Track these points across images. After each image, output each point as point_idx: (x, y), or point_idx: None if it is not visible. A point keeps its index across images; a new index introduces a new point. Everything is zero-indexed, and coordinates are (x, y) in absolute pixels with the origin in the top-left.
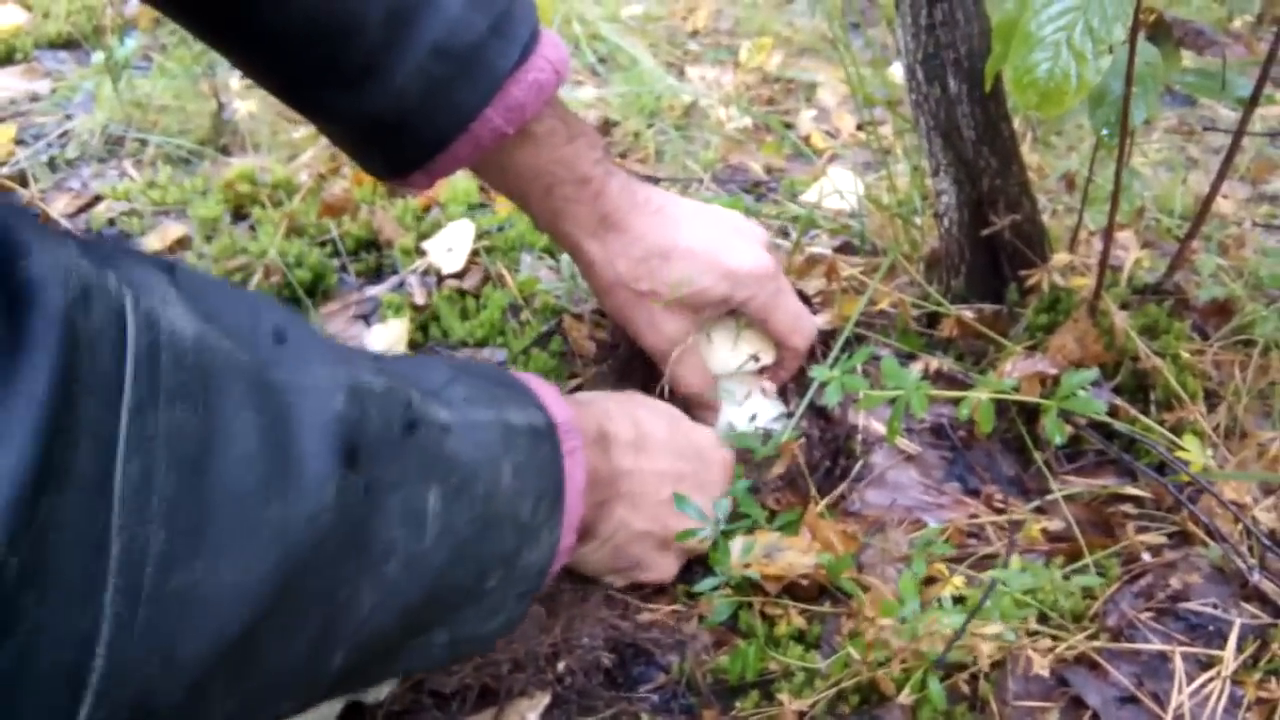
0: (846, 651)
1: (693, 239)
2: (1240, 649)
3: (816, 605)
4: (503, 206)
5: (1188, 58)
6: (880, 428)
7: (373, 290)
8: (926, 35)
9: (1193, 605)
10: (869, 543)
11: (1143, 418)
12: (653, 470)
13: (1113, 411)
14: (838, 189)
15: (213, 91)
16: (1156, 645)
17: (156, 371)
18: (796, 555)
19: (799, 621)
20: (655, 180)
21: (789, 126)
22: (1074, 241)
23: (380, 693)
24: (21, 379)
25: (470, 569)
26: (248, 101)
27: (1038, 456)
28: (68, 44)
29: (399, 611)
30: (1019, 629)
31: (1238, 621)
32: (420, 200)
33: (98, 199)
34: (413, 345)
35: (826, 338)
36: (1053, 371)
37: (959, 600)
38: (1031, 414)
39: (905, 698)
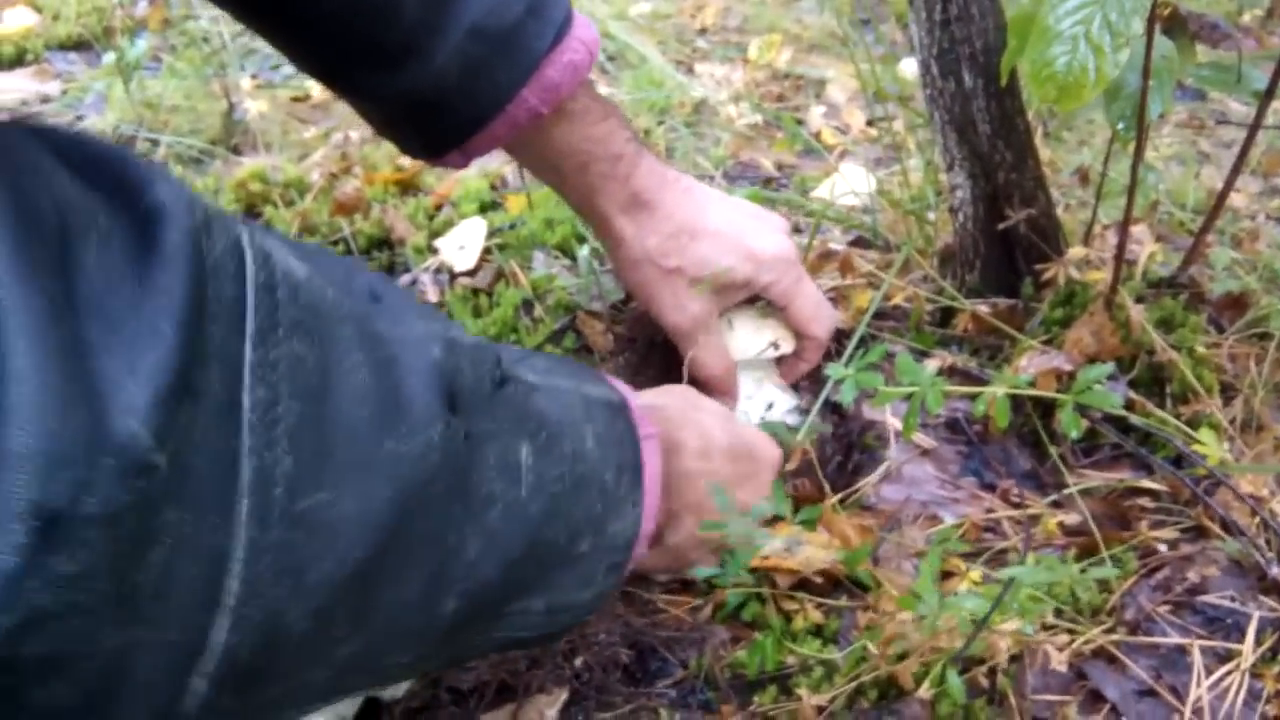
0: (863, 645)
1: (720, 220)
2: (1259, 642)
3: (833, 599)
4: (514, 204)
5: (1202, 52)
6: (896, 423)
7: None
8: (941, 30)
9: (1210, 598)
10: (884, 537)
11: (1159, 411)
12: (716, 477)
13: (1129, 405)
14: (850, 185)
15: (224, 92)
16: (1174, 639)
17: (275, 304)
18: (815, 550)
19: (816, 615)
20: None
21: (799, 123)
22: (1088, 235)
23: (398, 690)
24: (160, 286)
25: (562, 527)
26: (258, 101)
27: (1053, 451)
28: (78, 45)
29: (502, 563)
30: (1037, 623)
31: (1256, 614)
32: (432, 198)
33: None
34: None
35: (841, 335)
36: (1069, 366)
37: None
38: (1047, 408)
39: (924, 692)
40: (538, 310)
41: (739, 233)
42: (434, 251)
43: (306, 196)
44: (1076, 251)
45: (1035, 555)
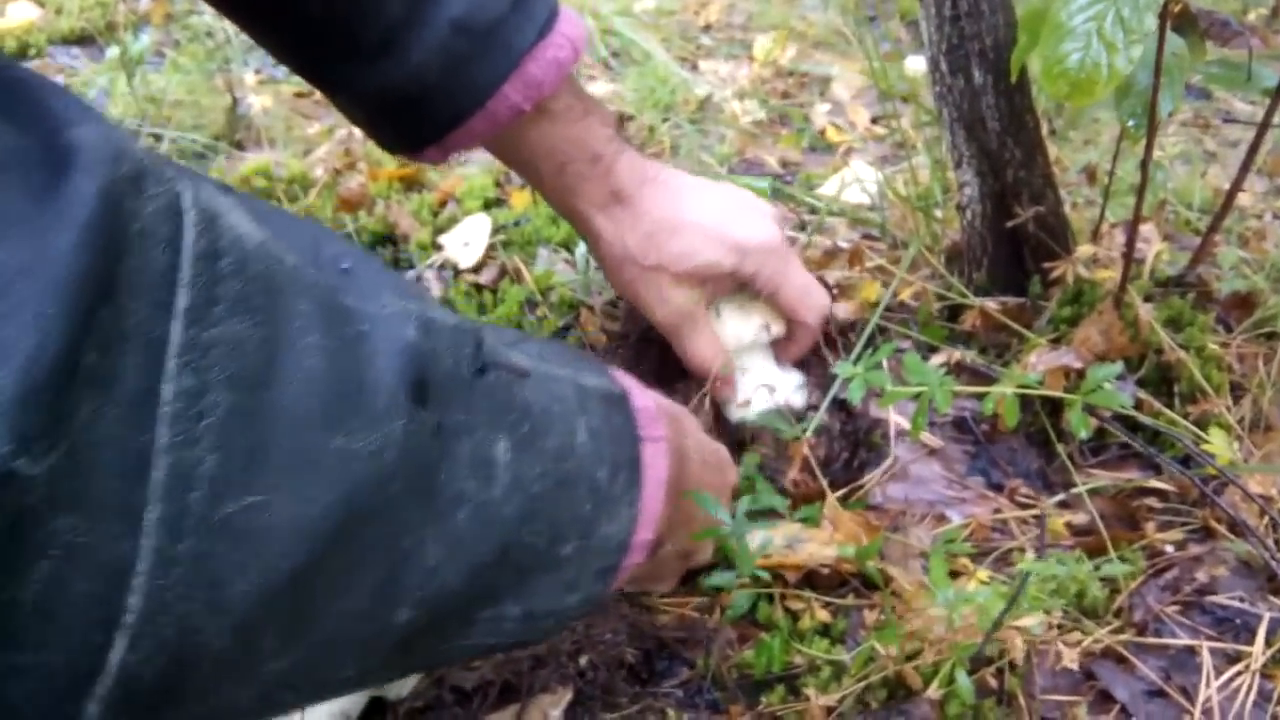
0: (872, 645)
1: (700, 212)
2: (1269, 643)
3: (839, 597)
4: (518, 201)
5: (1209, 50)
6: (902, 421)
7: None
8: (951, 26)
9: (1219, 599)
10: (889, 536)
11: (1167, 411)
12: (704, 489)
13: (1137, 405)
14: (859, 180)
15: (227, 87)
16: (1184, 639)
17: (216, 276)
18: (818, 547)
19: (823, 615)
20: None
21: (801, 118)
22: (1096, 234)
23: (403, 688)
24: (51, 251)
25: (543, 529)
26: (262, 97)
27: (1061, 450)
28: (81, 40)
29: (468, 569)
30: (1046, 623)
31: (1266, 615)
32: (436, 195)
33: None
34: None
35: (847, 329)
36: (1078, 365)
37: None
38: (1055, 407)
39: (933, 692)
40: (541, 308)
41: (721, 223)
42: (438, 248)
43: (310, 192)
44: (1085, 250)
45: (1045, 554)
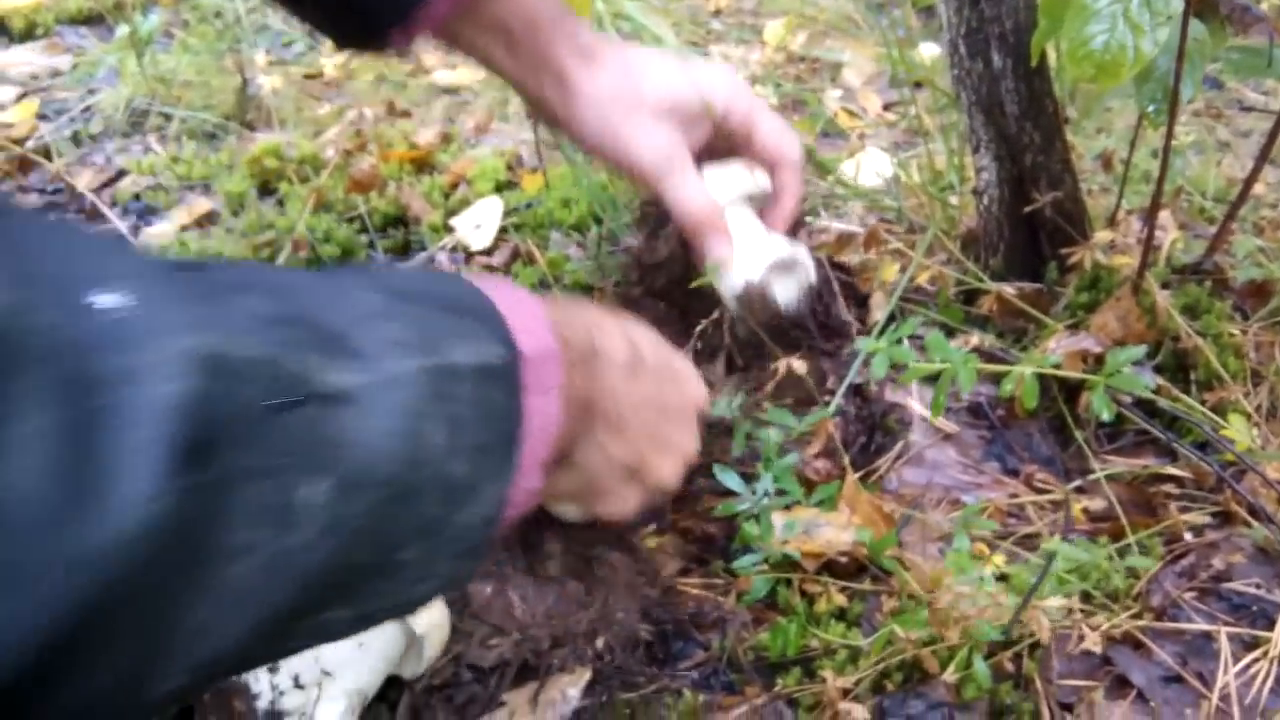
0: (890, 629)
1: (668, 62)
2: None
3: (856, 583)
4: (530, 184)
5: (1229, 36)
6: (918, 406)
7: (401, 266)
8: (970, 9)
9: (1236, 585)
10: (911, 515)
11: (1185, 397)
12: (641, 395)
13: (1155, 391)
14: (875, 165)
15: (237, 67)
16: (1201, 625)
17: None
18: (835, 532)
19: (839, 599)
20: None
21: (814, 104)
22: (1113, 220)
23: (419, 666)
24: None
25: (371, 551)
26: (272, 77)
27: (1078, 435)
28: (89, 20)
29: (256, 620)
30: (1066, 607)
31: None
32: (447, 177)
33: (122, 173)
34: None
35: (864, 300)
36: (1097, 349)
37: (1002, 578)
38: (1072, 392)
39: (949, 675)
40: (554, 290)
41: (687, 69)
42: (450, 230)
43: (322, 173)
44: (1103, 235)
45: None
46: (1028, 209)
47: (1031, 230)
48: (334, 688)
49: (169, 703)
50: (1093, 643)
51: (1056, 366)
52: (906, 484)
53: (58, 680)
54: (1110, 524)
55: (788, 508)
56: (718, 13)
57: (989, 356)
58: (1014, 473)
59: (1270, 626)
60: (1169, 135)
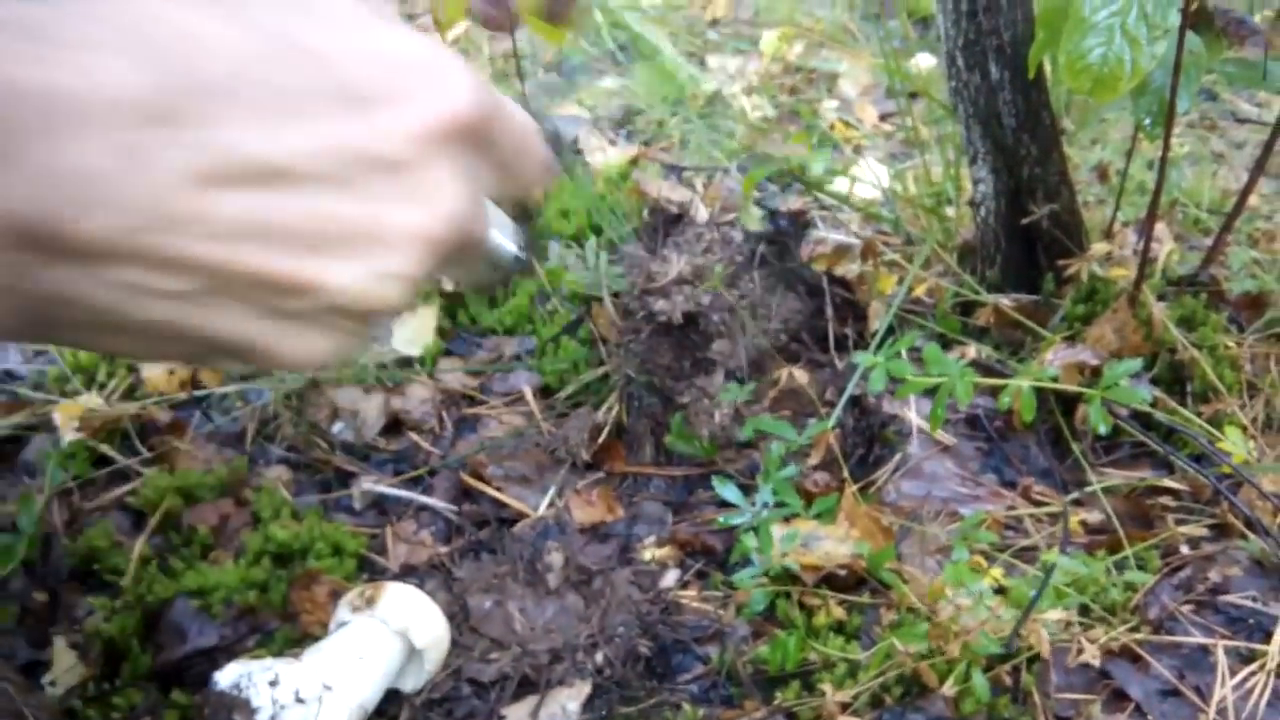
0: (889, 642)
1: None
2: None
3: (855, 595)
4: None
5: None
6: (915, 418)
7: None
8: (968, 21)
9: (1233, 598)
10: (908, 528)
11: (1181, 410)
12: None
13: (1151, 404)
14: (872, 176)
15: None
16: (1198, 638)
17: None
18: (834, 544)
19: (838, 612)
20: (681, 169)
21: (809, 115)
22: (1109, 232)
23: (419, 680)
24: None
25: None
26: None
27: (1075, 448)
28: None
29: None
30: (1064, 620)
31: (1279, 615)
32: None
33: None
34: (441, 332)
35: (862, 316)
36: (1094, 361)
37: (1000, 591)
38: (1070, 404)
39: (948, 689)
40: (553, 301)
41: None
42: None
43: None
44: (1099, 248)
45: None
46: (1025, 221)
47: (1028, 242)
48: (335, 702)
49: None
50: (1091, 656)
51: (1054, 379)
52: (905, 496)
53: None
54: (1107, 536)
55: (787, 520)
56: (714, 23)
57: (986, 369)
58: (1011, 485)
59: (1267, 639)
60: (1165, 148)
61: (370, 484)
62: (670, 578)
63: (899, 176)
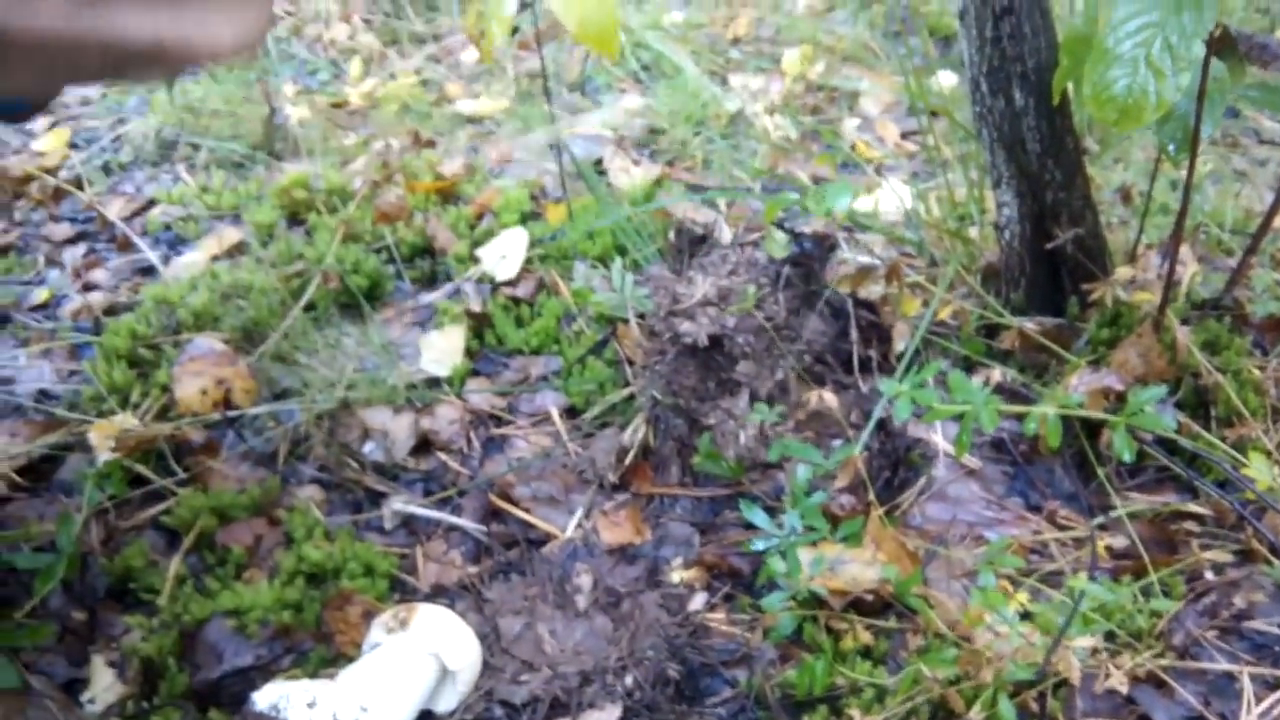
0: (917, 667)
1: None
2: None
3: (882, 620)
4: (554, 215)
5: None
6: (941, 441)
7: (428, 297)
8: (992, 48)
9: (1258, 624)
10: (934, 553)
11: (1205, 434)
12: None
13: (1176, 429)
14: (894, 198)
15: (265, 97)
16: (1223, 665)
17: None
18: (860, 568)
19: (865, 637)
20: (703, 188)
21: (831, 134)
22: (1133, 256)
23: (452, 701)
24: None
25: None
26: (299, 108)
27: (1100, 472)
28: None
29: None
30: (1091, 646)
31: None
32: (472, 208)
33: (152, 203)
34: (469, 352)
35: (887, 339)
36: (1119, 387)
37: (1025, 616)
38: (1094, 428)
39: (975, 715)
40: (578, 322)
41: None
42: (476, 261)
43: (349, 204)
44: (1124, 272)
45: (1084, 578)
46: (1050, 246)
47: (1052, 265)
48: None
49: None
50: (1117, 682)
51: (1080, 406)
52: (930, 519)
53: None
54: (1132, 562)
55: (813, 543)
56: (736, 41)
57: (1011, 393)
58: (1036, 509)
59: None
60: (1189, 175)
61: (401, 504)
62: (698, 600)
63: (922, 196)
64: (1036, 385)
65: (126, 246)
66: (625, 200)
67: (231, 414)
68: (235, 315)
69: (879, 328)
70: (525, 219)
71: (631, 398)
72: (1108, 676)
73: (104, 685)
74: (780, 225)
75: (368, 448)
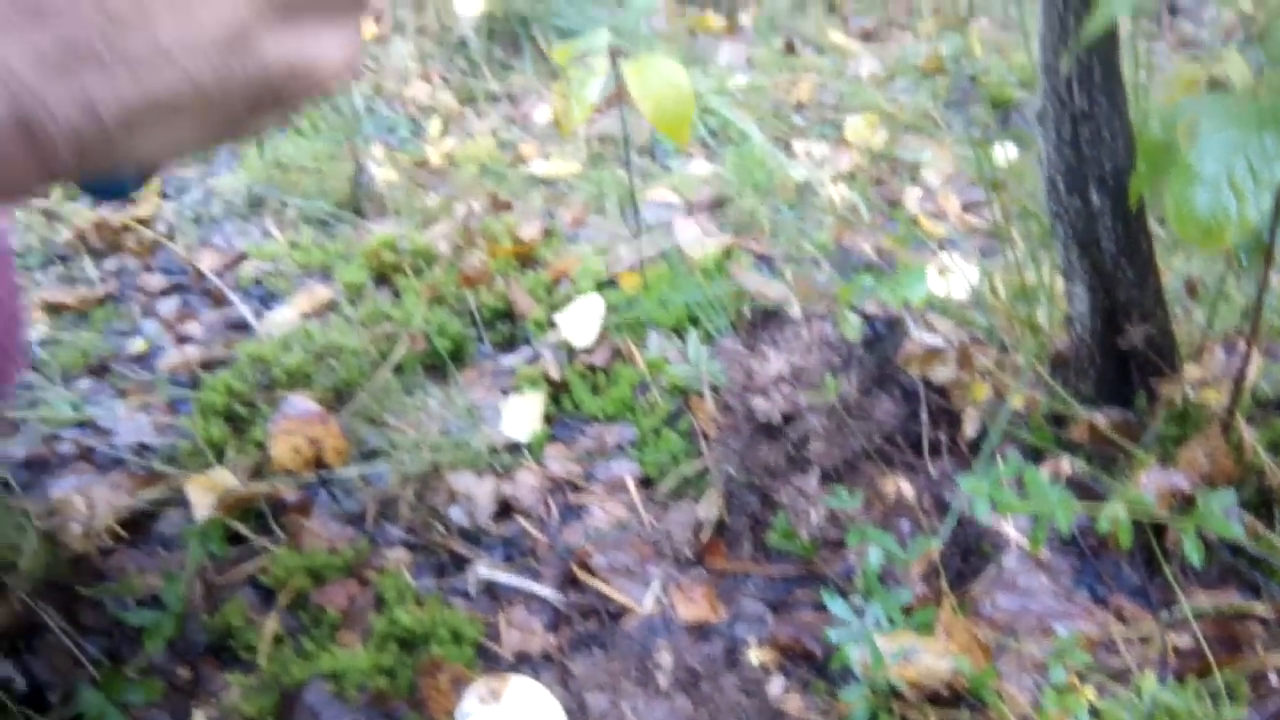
0: None
1: None
2: None
3: (954, 710)
4: (628, 283)
5: None
6: (1012, 531)
7: (508, 360)
8: (1070, 148)
9: None
10: (1005, 645)
11: (1269, 534)
12: None
13: (1243, 533)
14: (961, 277)
15: (353, 155)
16: None
17: None
18: (933, 659)
19: None
20: (770, 259)
21: (893, 204)
22: (1201, 352)
23: None
24: None
25: None
26: (385, 168)
27: (1167, 570)
28: None
29: None
30: None
31: None
32: (549, 273)
33: (243, 257)
34: (548, 418)
35: (956, 434)
36: (1187, 488)
37: (1094, 714)
38: (1161, 526)
39: None
40: (652, 392)
41: None
42: (554, 326)
43: (434, 266)
44: (1192, 371)
45: (1153, 679)
46: (1122, 343)
47: (1122, 359)
48: None
49: None
50: None
51: (1149, 508)
52: (1000, 609)
53: None
54: (1197, 661)
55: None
56: (800, 106)
57: (1080, 486)
58: (1103, 602)
59: None
60: (1262, 286)
61: (485, 570)
62: (776, 685)
63: (988, 276)
64: (1104, 477)
65: (220, 300)
66: (697, 269)
67: (325, 474)
68: (327, 375)
69: (948, 412)
70: (601, 286)
71: (705, 470)
72: None
73: None
74: (851, 306)
75: (453, 511)
